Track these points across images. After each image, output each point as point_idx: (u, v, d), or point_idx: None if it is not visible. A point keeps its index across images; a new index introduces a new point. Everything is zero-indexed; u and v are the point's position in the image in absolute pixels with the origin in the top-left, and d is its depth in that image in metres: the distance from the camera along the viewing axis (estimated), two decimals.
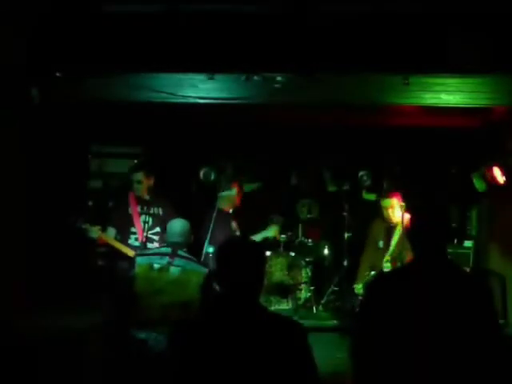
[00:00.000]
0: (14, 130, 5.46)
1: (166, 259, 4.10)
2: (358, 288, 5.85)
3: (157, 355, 3.76)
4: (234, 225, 6.32)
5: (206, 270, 4.14)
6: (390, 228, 5.95)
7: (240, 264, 2.38)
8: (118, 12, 5.10)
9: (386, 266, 5.77)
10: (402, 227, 5.70)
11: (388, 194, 6.00)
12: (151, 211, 5.75)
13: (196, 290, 4.01)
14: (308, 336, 2.39)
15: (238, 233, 6.29)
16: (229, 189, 6.28)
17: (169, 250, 4.18)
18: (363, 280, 5.88)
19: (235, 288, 2.37)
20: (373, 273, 5.84)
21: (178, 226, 4.32)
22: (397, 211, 5.83)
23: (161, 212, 5.75)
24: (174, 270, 4.07)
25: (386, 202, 5.92)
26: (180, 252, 4.16)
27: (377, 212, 6.23)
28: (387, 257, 5.83)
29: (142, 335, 3.89)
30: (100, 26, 5.11)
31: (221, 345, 2.29)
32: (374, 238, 6.10)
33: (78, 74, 5.20)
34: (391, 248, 5.86)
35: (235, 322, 2.33)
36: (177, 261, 4.10)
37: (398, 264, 5.68)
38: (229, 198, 6.27)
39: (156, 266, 4.07)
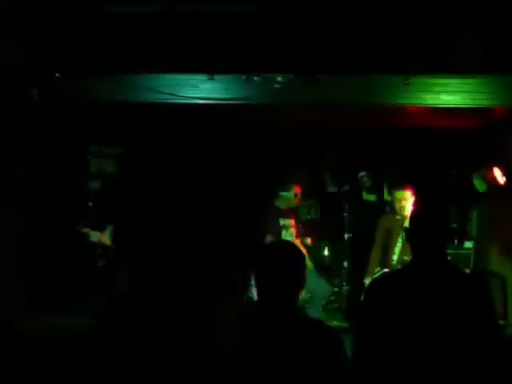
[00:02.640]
0: (13, 129, 5.45)
1: None
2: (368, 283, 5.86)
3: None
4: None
5: None
6: (400, 222, 5.87)
7: (280, 270, 2.34)
8: (118, 12, 5.10)
9: (394, 259, 5.74)
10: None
11: (402, 185, 5.92)
12: None
13: None
14: (342, 343, 2.36)
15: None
16: (288, 190, 6.28)
17: None
18: (372, 276, 5.85)
19: (274, 294, 2.34)
20: (377, 269, 5.83)
21: None
22: (409, 204, 5.77)
23: None
24: None
25: (400, 194, 5.84)
26: None
27: (379, 211, 6.21)
28: (397, 249, 5.78)
29: None
30: (100, 26, 5.12)
31: (257, 346, 2.28)
32: (383, 232, 6.04)
33: (78, 74, 5.20)
34: (399, 243, 5.81)
35: (274, 327, 2.31)
36: None
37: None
38: (288, 198, 6.29)
39: None
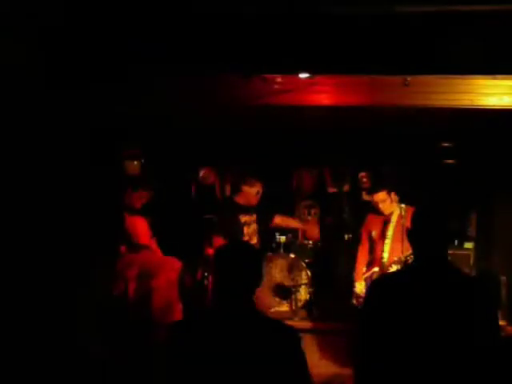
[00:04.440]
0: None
1: None
2: (359, 287, 5.94)
3: None
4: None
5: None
6: (384, 220, 5.98)
7: (233, 267, 2.42)
8: None
9: (385, 257, 5.82)
10: (398, 218, 5.80)
11: (377, 189, 6.05)
12: None
13: None
14: (301, 341, 2.40)
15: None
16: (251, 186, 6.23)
17: None
18: (361, 277, 5.94)
19: (229, 290, 2.41)
20: (375, 269, 5.87)
21: None
22: (388, 204, 5.90)
23: None
24: None
25: (377, 197, 5.97)
26: None
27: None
28: (386, 247, 5.86)
29: None
30: None
31: (213, 346, 2.32)
32: (368, 231, 6.13)
33: None
34: (388, 239, 5.89)
35: (227, 324, 2.37)
36: None
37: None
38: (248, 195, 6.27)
39: None
